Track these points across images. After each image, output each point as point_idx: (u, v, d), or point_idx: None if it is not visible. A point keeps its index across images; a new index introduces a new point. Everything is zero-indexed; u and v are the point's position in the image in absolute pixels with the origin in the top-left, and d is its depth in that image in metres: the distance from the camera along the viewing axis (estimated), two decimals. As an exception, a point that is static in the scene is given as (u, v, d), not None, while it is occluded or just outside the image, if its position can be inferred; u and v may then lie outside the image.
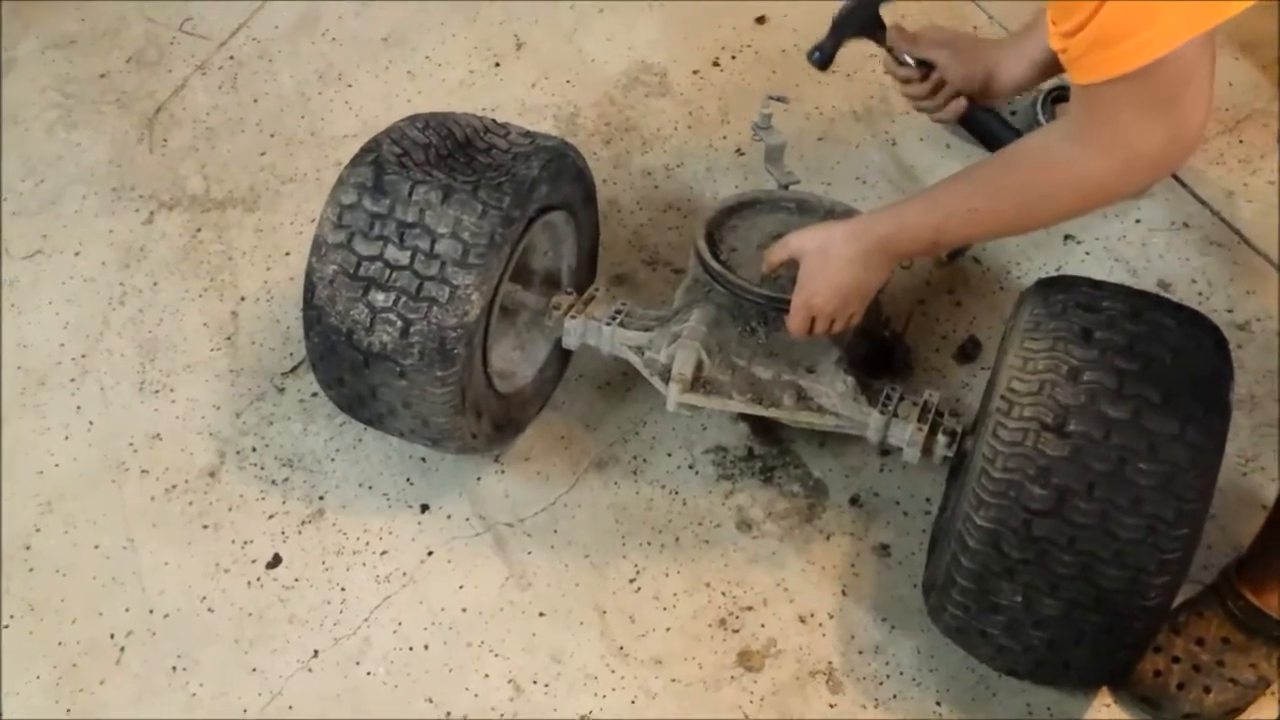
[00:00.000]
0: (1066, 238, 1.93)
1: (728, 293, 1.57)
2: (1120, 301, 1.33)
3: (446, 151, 1.52)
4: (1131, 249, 1.91)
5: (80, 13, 2.34)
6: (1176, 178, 1.99)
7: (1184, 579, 1.27)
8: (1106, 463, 1.22)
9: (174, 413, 1.77)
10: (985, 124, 1.69)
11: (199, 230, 2.00)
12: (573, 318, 1.62)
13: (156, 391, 1.80)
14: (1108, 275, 1.86)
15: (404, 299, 1.43)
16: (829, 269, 1.43)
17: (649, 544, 1.63)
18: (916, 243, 1.40)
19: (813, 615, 1.56)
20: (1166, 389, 1.25)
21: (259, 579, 1.61)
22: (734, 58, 2.21)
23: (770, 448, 1.71)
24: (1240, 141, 2.05)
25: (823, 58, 1.63)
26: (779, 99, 1.71)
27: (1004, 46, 1.61)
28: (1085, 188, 1.24)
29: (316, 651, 1.54)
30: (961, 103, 1.61)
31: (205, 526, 1.66)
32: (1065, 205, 1.29)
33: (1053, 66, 1.52)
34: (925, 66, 1.60)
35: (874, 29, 1.62)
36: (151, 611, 1.58)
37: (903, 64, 1.61)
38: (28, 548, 1.65)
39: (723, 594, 1.58)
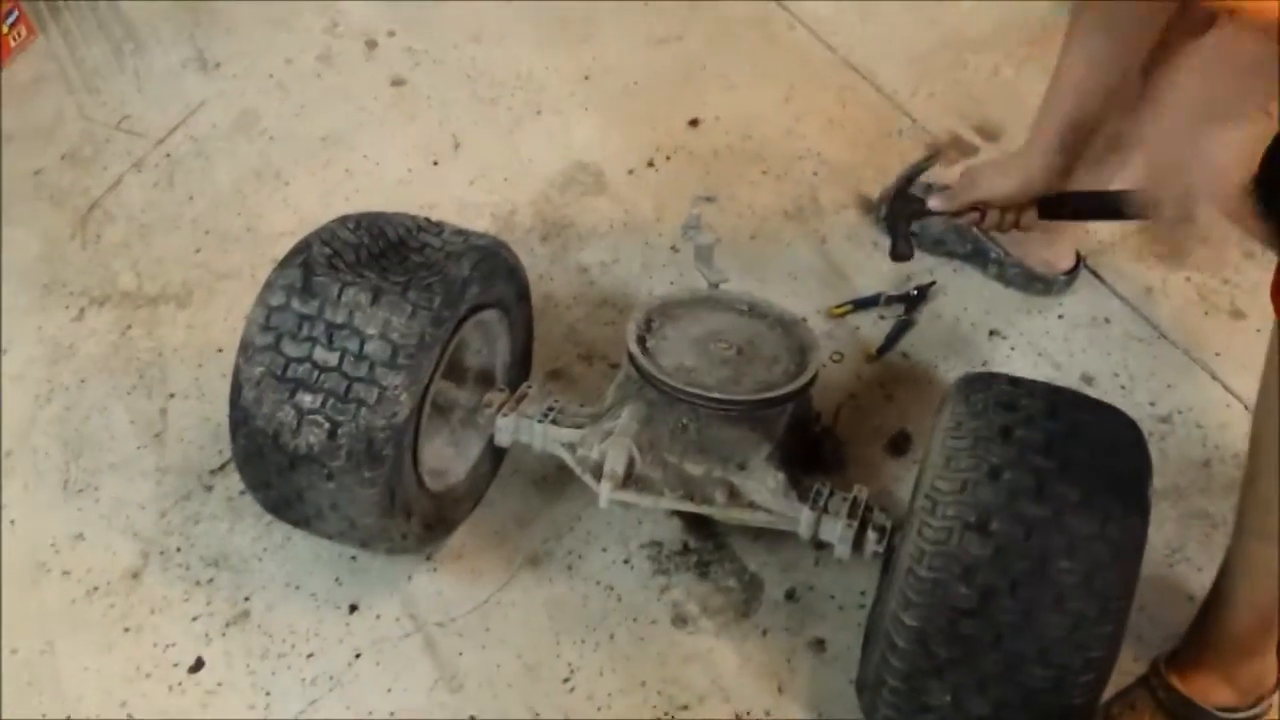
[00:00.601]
0: (991, 333, 1.97)
1: (659, 390, 1.59)
2: (1039, 399, 1.36)
3: (378, 251, 1.52)
4: (1055, 344, 1.96)
5: (17, 110, 2.34)
6: (1097, 275, 2.05)
7: (1109, 676, 1.28)
8: (1029, 561, 1.24)
9: (98, 512, 1.74)
10: (1067, 206, 1.71)
11: (129, 327, 1.98)
12: (505, 415, 1.63)
13: (80, 490, 1.77)
14: (1032, 370, 1.90)
15: (332, 400, 1.42)
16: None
17: (584, 642, 1.61)
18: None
19: (749, 713, 1.55)
20: (1086, 487, 1.27)
21: (181, 684, 1.57)
22: (668, 158, 2.26)
23: (705, 542, 1.71)
24: (1158, 240, 2.12)
25: (900, 254, 1.73)
26: (707, 199, 1.75)
27: (1023, 150, 1.65)
28: None
29: (239, 759, 1.51)
30: (1033, 213, 1.65)
31: (127, 629, 1.62)
32: None
33: (1069, 139, 1.55)
34: (975, 207, 1.65)
35: (918, 209, 1.70)
36: (69, 718, 1.54)
37: (958, 216, 1.67)
38: (-58, 653, 1.61)
39: (658, 693, 1.57)
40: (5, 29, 2.41)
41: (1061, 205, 1.69)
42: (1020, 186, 1.62)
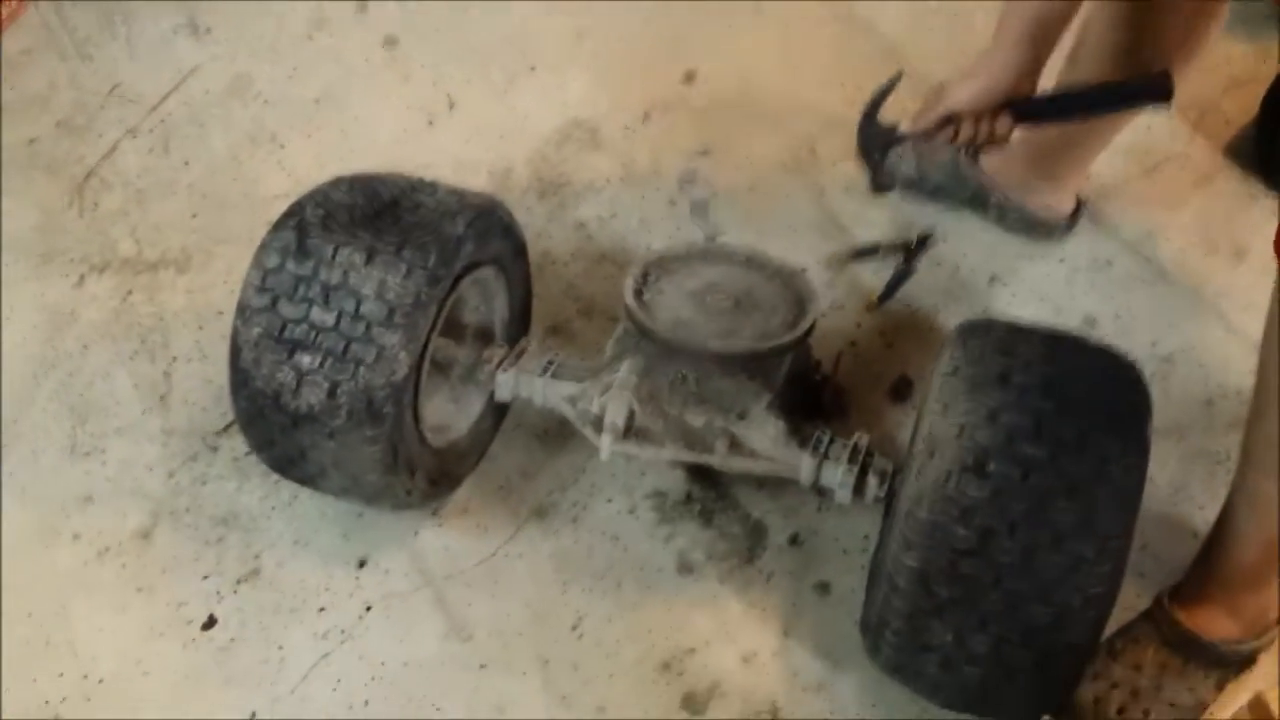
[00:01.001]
0: (992, 279, 1.97)
1: (657, 343, 1.59)
2: (1036, 344, 1.36)
3: (372, 212, 1.52)
4: (1056, 288, 1.96)
5: (9, 80, 2.33)
6: (1098, 219, 2.05)
7: (1110, 613, 1.29)
8: (1027, 502, 1.24)
9: (105, 475, 1.76)
10: (1041, 106, 1.66)
11: (130, 293, 1.99)
12: (504, 371, 1.63)
13: (88, 454, 1.78)
14: (1034, 315, 1.90)
15: (330, 360, 1.43)
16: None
17: (590, 591, 1.63)
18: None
19: (756, 655, 1.57)
20: (1084, 428, 1.27)
21: (194, 641, 1.59)
22: (664, 112, 2.25)
23: (709, 491, 1.72)
24: (1159, 182, 2.11)
25: (880, 185, 1.75)
26: (703, 153, 1.75)
27: (988, 50, 1.61)
28: None
29: (254, 713, 1.52)
30: (1007, 119, 1.62)
31: (139, 589, 1.64)
32: None
33: (1035, 32, 1.52)
34: (947, 121, 1.62)
35: (891, 136, 1.70)
36: (86, 677, 1.56)
37: (931, 135, 1.65)
38: (-43, 617, 1.62)
39: (665, 638, 1.59)
40: (-4, 0, 2.40)
41: (1035, 106, 1.64)
42: (988, 85, 1.57)
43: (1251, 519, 1.40)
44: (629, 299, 1.63)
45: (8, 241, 2.07)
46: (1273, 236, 1.26)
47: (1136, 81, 1.63)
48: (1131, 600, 1.54)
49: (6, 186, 2.15)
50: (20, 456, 1.78)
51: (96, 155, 2.21)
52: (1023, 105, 1.61)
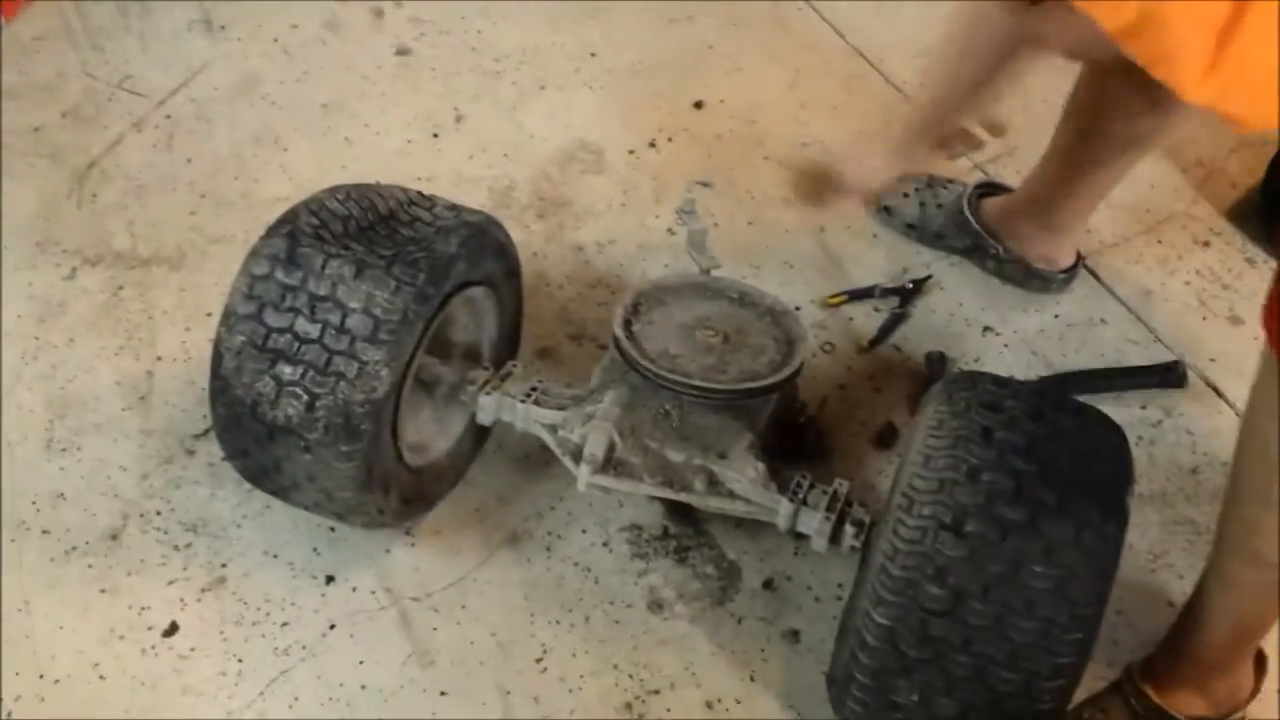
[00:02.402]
0: (986, 330, 1.96)
1: (642, 375, 1.58)
2: (1023, 401, 1.35)
3: (367, 224, 1.51)
4: (1049, 343, 1.94)
5: (20, 66, 2.32)
6: (1095, 275, 2.04)
7: (1078, 682, 1.28)
8: (1002, 565, 1.23)
9: (79, 472, 1.74)
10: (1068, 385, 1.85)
11: (121, 288, 1.98)
12: (488, 394, 1.62)
13: (64, 450, 1.76)
14: (1025, 368, 1.89)
15: (311, 373, 1.42)
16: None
17: (558, 623, 1.61)
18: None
19: (720, 701, 1.55)
20: (1064, 492, 1.26)
21: (154, 647, 1.57)
22: (670, 140, 2.24)
23: (685, 528, 1.70)
24: (1159, 242, 2.10)
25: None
26: (704, 184, 1.74)
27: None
28: None
29: (208, 726, 1.51)
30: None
31: (103, 591, 1.62)
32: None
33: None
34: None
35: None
36: (41, 676, 1.54)
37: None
38: (-81, 607, 1.61)
39: (630, 676, 1.57)
40: (10, -16, 2.39)
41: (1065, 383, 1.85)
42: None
43: (1224, 601, 1.38)
44: (617, 329, 1.62)
45: (4, 227, 2.05)
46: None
47: (1154, 369, 1.86)
48: (1102, 669, 1.53)
49: (8, 172, 2.14)
50: (-4, 447, 1.77)
51: (100, 147, 2.20)
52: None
